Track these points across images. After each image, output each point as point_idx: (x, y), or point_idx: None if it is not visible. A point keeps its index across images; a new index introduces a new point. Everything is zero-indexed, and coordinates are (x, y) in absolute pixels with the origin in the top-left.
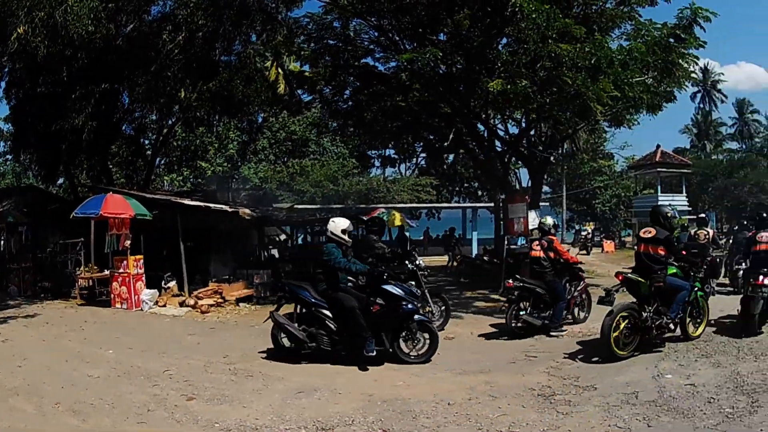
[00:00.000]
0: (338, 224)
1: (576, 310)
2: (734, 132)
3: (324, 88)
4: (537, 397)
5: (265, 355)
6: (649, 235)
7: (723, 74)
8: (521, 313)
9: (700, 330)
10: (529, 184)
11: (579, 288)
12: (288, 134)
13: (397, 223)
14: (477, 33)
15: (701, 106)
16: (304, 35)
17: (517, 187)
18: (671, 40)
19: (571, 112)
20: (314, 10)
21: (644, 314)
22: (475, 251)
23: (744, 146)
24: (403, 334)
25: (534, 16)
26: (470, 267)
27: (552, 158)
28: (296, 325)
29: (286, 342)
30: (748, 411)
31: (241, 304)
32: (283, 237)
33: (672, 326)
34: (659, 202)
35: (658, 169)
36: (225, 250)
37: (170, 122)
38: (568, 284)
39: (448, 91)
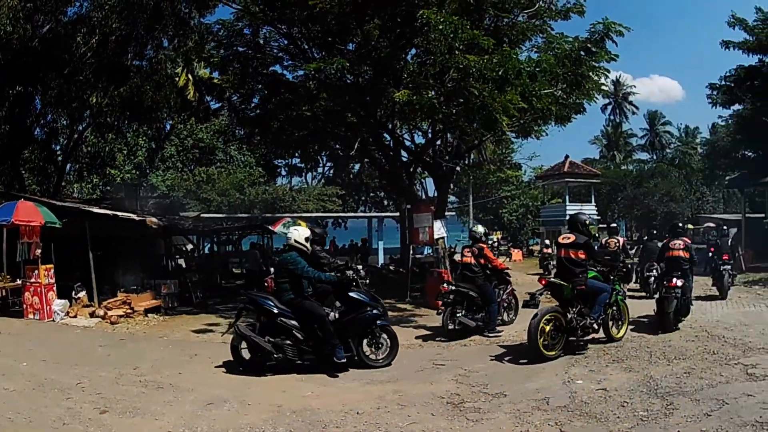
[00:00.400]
0: (301, 233)
1: (504, 312)
2: (645, 143)
3: (232, 96)
4: (446, 405)
5: (224, 369)
6: (569, 241)
7: (635, 87)
8: (458, 315)
9: (622, 331)
10: (435, 194)
11: (507, 291)
12: (195, 142)
13: None
14: (386, 43)
15: (612, 117)
16: (215, 42)
17: (423, 196)
18: (582, 53)
19: (477, 124)
20: (226, 17)
21: (569, 316)
22: (381, 261)
23: (654, 157)
24: (367, 339)
25: (441, 27)
26: (376, 276)
27: (458, 168)
28: (260, 336)
29: (245, 354)
30: (663, 414)
31: (149, 315)
32: (189, 247)
33: (596, 326)
34: (568, 211)
35: (567, 179)
36: (133, 259)
37: (81, 127)
38: (496, 288)
39: (355, 100)
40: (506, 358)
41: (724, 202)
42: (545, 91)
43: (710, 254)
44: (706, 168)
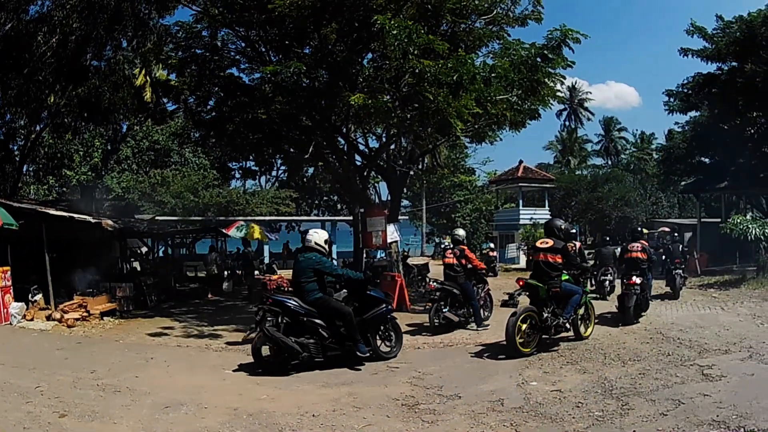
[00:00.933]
0: (321, 235)
1: (480, 309)
2: (600, 149)
3: (189, 98)
4: (401, 407)
5: (236, 368)
6: (547, 245)
7: (591, 93)
8: (443, 311)
9: (590, 330)
10: (389, 198)
11: (484, 290)
12: (151, 144)
13: (256, 236)
14: (342, 48)
15: (567, 123)
16: (173, 43)
17: (377, 200)
18: (538, 59)
19: (431, 128)
20: (186, 18)
21: (544, 315)
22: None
23: (609, 162)
24: (379, 332)
25: (395, 32)
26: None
27: (411, 173)
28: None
29: (264, 353)
30: (618, 414)
31: (105, 318)
32: (144, 249)
33: (567, 326)
34: (522, 215)
35: (520, 184)
36: (88, 262)
37: (39, 128)
38: (475, 287)
39: (310, 104)
40: (485, 354)
41: (679, 207)
42: (500, 96)
43: (663, 258)
44: (661, 173)
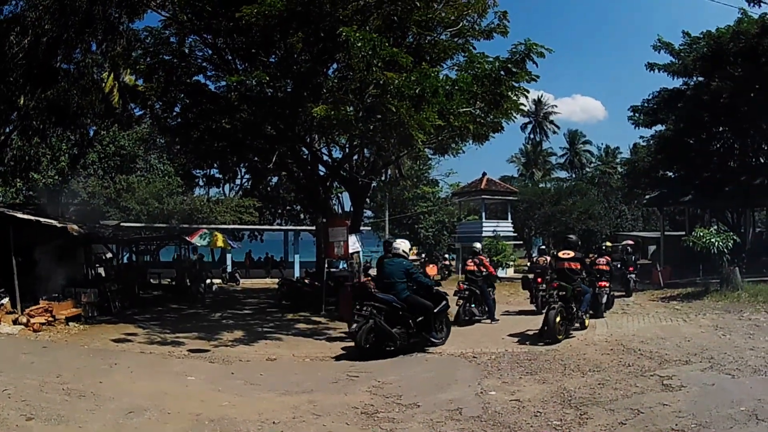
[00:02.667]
0: (407, 245)
1: (493, 307)
2: (564, 161)
3: (155, 104)
4: (360, 415)
5: (332, 355)
6: (569, 256)
7: (557, 106)
8: (471, 306)
9: (588, 322)
10: (351, 209)
11: (493, 293)
12: (117, 149)
13: (219, 244)
14: (307, 57)
15: (532, 136)
16: (142, 48)
17: (340, 211)
18: (502, 73)
19: (394, 140)
20: (155, 24)
21: (573, 308)
22: (297, 274)
23: (574, 175)
24: (437, 324)
25: (360, 44)
26: (292, 290)
27: (374, 183)
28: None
29: (362, 341)
30: (576, 423)
31: (70, 324)
32: (109, 255)
33: (584, 318)
34: (485, 228)
35: (483, 196)
36: (54, 266)
37: (8, 130)
38: (488, 288)
39: (274, 114)
40: (445, 364)
41: (643, 220)
42: (463, 109)
43: (620, 267)
44: (625, 186)
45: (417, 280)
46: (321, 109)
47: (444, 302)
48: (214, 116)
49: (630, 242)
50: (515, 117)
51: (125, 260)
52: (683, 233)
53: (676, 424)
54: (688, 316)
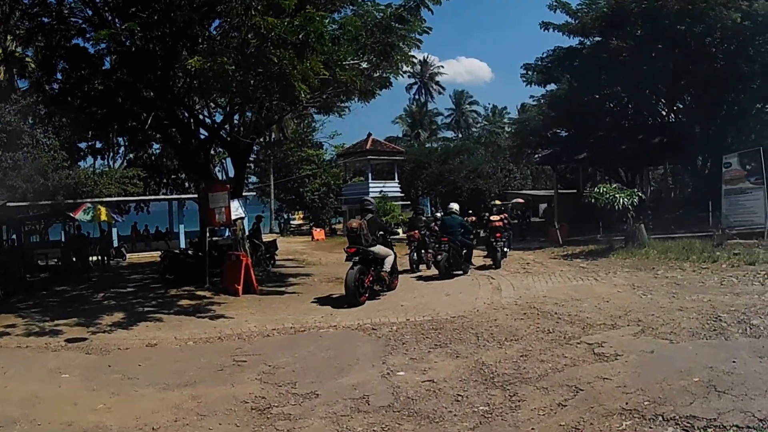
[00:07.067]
0: (457, 206)
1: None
2: (450, 122)
3: (36, 71)
4: (251, 412)
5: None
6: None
7: (443, 66)
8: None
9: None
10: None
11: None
12: (3, 125)
13: (103, 218)
14: (186, 6)
15: (417, 97)
16: (20, 10)
17: (224, 178)
18: (393, 22)
19: (276, 95)
20: None
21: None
22: (183, 245)
23: (460, 135)
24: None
25: None
26: (174, 262)
27: (256, 145)
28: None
29: (443, 267)
30: (508, 407)
31: None
32: None
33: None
34: (371, 188)
35: (369, 157)
36: None
37: None
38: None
39: (148, 69)
40: (341, 340)
41: (532, 179)
42: (351, 61)
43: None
44: (515, 146)
45: (465, 230)
46: (196, 61)
47: (474, 244)
48: (93, 80)
49: (520, 200)
50: (404, 72)
51: (13, 243)
52: (574, 191)
53: (626, 403)
54: (598, 275)
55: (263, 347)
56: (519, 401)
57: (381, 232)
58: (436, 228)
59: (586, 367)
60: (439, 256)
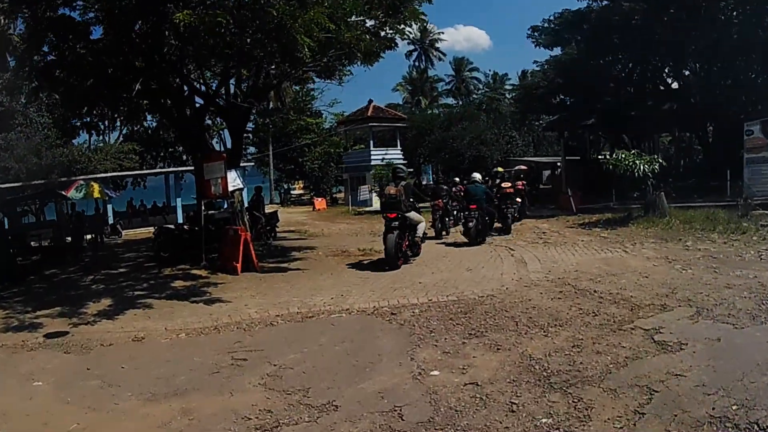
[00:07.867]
0: (480, 176)
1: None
2: (451, 89)
3: (21, 46)
4: None
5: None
6: (509, 185)
7: (443, 33)
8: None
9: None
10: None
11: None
12: None
13: (96, 195)
14: None
15: (417, 64)
16: None
17: (222, 149)
18: None
19: (276, 51)
20: None
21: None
22: (180, 219)
23: (461, 102)
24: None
25: None
26: (168, 239)
27: (254, 109)
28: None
29: (474, 235)
30: (576, 417)
31: None
32: None
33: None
34: (373, 156)
35: (371, 124)
36: None
37: None
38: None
39: (137, 33)
40: (357, 328)
41: (534, 146)
42: (356, 18)
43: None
44: (518, 112)
45: (489, 199)
46: (185, 15)
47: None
48: (80, 49)
49: (523, 167)
50: (411, 31)
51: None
52: (578, 158)
53: (713, 408)
54: (625, 246)
55: (266, 340)
56: (586, 409)
57: (412, 199)
58: (460, 195)
59: (650, 360)
60: (470, 224)
